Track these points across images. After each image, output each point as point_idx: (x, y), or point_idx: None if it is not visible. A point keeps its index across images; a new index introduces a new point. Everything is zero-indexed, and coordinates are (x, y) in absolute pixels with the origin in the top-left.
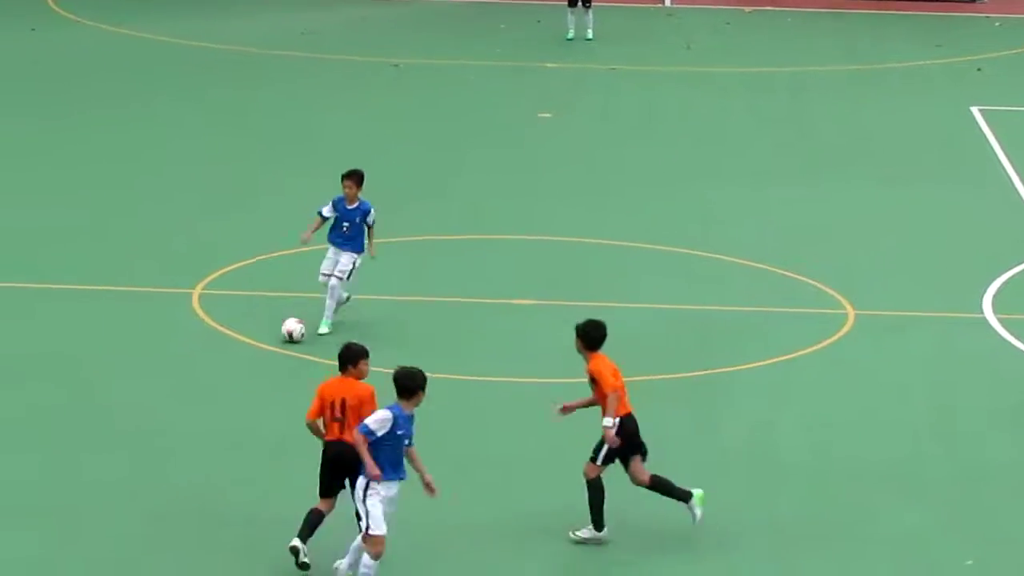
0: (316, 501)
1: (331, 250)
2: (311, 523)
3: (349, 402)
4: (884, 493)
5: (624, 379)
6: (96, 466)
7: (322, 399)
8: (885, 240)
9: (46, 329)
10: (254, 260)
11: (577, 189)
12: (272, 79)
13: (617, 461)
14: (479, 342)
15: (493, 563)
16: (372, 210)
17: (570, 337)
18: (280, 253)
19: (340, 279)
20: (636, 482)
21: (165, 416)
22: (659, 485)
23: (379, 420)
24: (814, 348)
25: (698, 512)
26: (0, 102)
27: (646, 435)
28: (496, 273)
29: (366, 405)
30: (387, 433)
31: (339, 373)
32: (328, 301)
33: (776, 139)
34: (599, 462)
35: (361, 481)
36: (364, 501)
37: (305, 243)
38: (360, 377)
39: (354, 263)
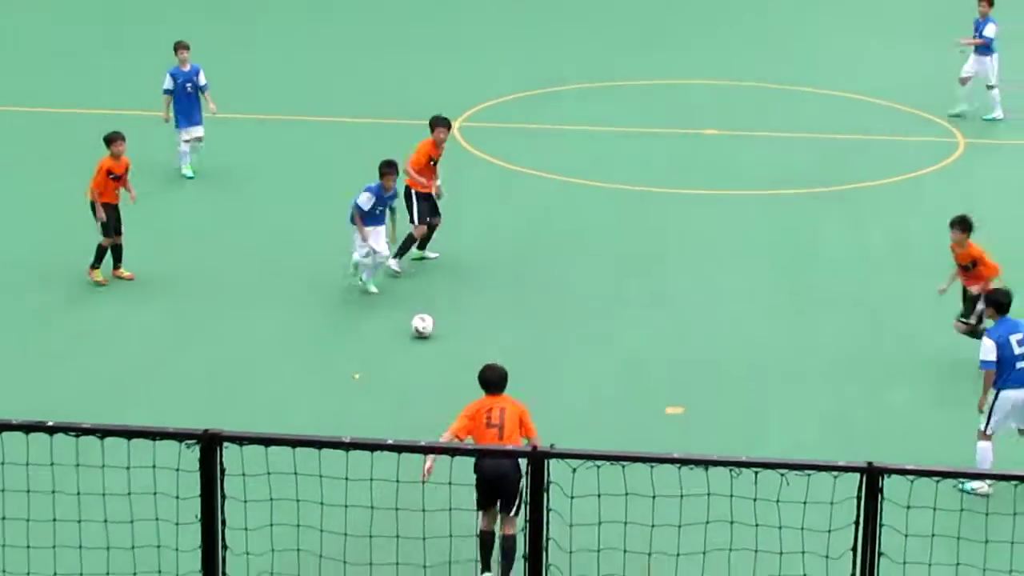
0: None
1: (369, 229)
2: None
3: (508, 412)
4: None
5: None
6: None
7: (470, 415)
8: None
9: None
10: (512, 96)
11: (748, 37)
12: None
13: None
14: (674, 164)
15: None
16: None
17: (752, 159)
18: (533, 92)
19: (387, 256)
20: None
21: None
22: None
23: None
24: (934, 168)
25: None
26: None
27: (810, 231)
28: (688, 110)
29: (527, 419)
30: None
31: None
32: (370, 268)
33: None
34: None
35: None
36: None
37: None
38: None
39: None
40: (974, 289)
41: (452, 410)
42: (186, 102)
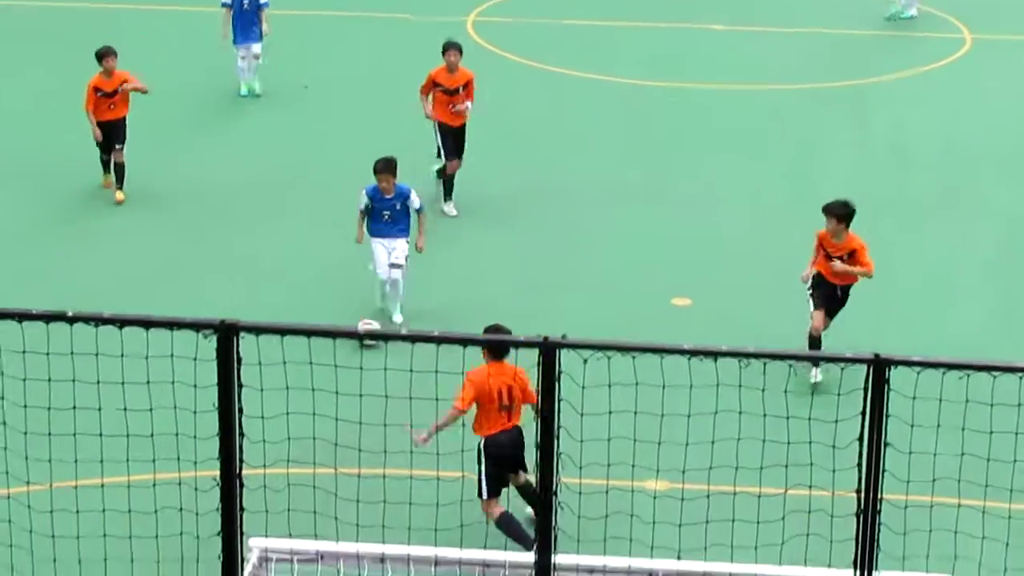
0: None
1: (376, 242)
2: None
3: (516, 389)
4: (994, 179)
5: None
6: None
7: (480, 391)
8: None
9: (349, 54)
10: None
11: None
12: None
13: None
14: (681, 59)
15: None
16: (413, 192)
17: (759, 55)
18: None
19: (402, 267)
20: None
21: None
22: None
23: None
24: (941, 64)
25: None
26: None
27: (815, 127)
28: (697, 4)
29: (529, 394)
30: None
31: (491, 360)
32: (393, 294)
33: None
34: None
35: None
36: None
37: (360, 242)
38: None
39: (407, 248)
40: (837, 264)
41: (463, 306)
42: (242, 18)
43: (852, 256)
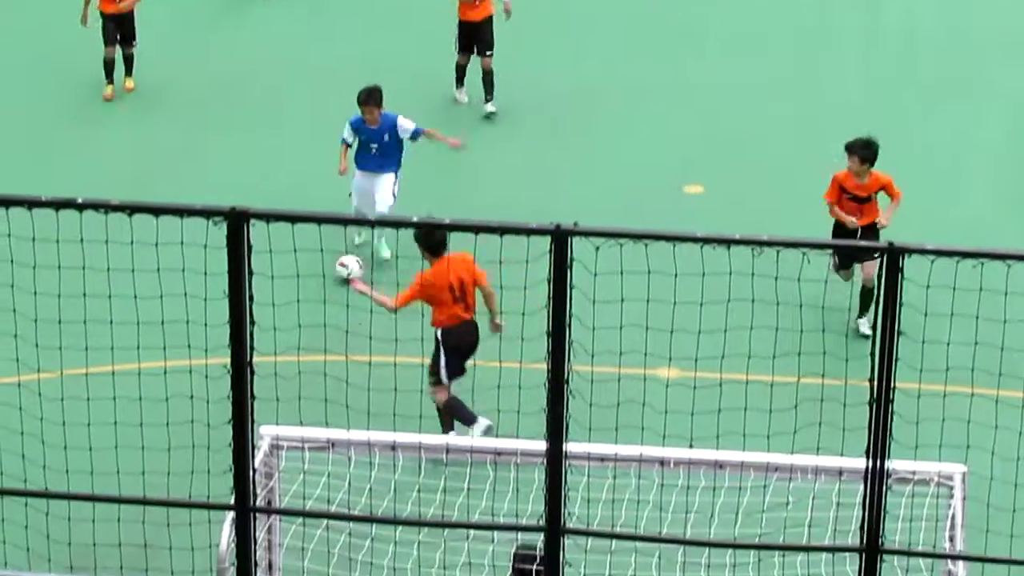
0: None
1: (360, 175)
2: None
3: (467, 280)
4: (1003, 63)
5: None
6: None
7: (427, 290)
8: None
9: None
10: None
11: None
12: None
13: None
14: None
15: None
16: (401, 119)
17: None
18: None
19: (388, 206)
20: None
21: None
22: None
23: None
24: None
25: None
26: None
27: (820, 14)
28: None
29: (478, 276)
30: None
31: (432, 259)
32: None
33: None
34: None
35: None
36: None
37: (344, 174)
38: None
39: (395, 183)
40: (881, 221)
41: (474, 195)
42: None
43: (879, 193)
